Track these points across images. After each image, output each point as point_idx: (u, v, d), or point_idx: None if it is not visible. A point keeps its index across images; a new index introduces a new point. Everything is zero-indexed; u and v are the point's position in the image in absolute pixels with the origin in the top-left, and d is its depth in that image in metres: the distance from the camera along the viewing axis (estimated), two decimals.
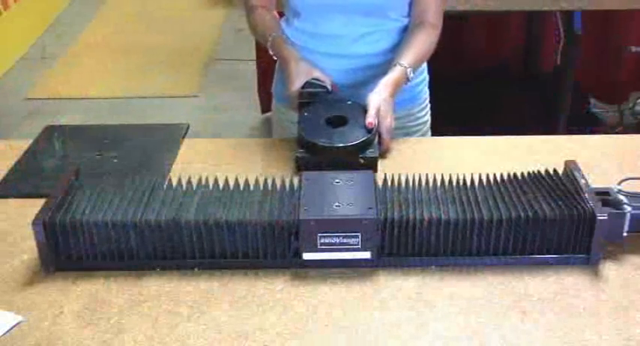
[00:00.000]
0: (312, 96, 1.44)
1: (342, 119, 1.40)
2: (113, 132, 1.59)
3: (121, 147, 1.51)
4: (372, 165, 1.33)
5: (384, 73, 1.46)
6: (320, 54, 1.54)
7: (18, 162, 1.46)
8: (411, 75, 1.46)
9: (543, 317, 1.04)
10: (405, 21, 1.55)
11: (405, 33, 1.54)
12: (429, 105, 1.70)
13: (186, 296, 1.10)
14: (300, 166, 1.34)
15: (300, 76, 1.45)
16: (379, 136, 1.40)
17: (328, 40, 1.53)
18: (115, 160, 1.46)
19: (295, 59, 1.48)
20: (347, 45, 1.52)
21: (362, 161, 1.33)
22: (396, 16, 1.53)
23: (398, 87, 1.45)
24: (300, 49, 1.54)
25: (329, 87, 1.45)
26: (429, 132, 1.71)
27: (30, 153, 1.50)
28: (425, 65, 1.65)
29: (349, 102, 1.44)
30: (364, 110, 1.39)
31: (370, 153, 1.35)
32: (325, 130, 1.38)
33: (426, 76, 1.67)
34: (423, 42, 1.50)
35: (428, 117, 1.70)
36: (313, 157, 1.34)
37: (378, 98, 1.40)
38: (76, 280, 1.14)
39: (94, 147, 1.51)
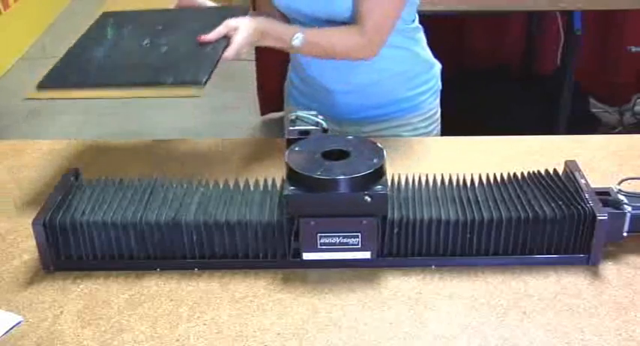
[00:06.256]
0: (303, 135, 1.24)
1: (342, 153, 1.16)
2: (168, 17, 1.45)
3: (173, 33, 1.38)
4: (380, 205, 1.11)
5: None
6: None
7: (69, 52, 1.35)
8: (295, 40, 1.34)
9: (543, 317, 1.04)
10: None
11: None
12: (436, 119, 1.62)
13: (187, 296, 1.10)
14: (292, 208, 1.10)
15: None
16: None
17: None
18: (165, 48, 1.34)
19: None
20: None
21: (368, 199, 1.09)
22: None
23: (271, 32, 1.34)
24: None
25: (323, 122, 1.25)
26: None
27: (81, 41, 1.38)
28: (435, 76, 1.59)
29: (350, 137, 1.21)
30: (370, 144, 1.18)
31: (379, 189, 1.10)
32: (321, 163, 1.13)
33: (432, 86, 1.59)
34: (338, 31, 1.39)
35: (432, 129, 1.62)
36: (307, 195, 1.10)
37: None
38: (76, 280, 1.14)
39: (146, 33, 1.39)
